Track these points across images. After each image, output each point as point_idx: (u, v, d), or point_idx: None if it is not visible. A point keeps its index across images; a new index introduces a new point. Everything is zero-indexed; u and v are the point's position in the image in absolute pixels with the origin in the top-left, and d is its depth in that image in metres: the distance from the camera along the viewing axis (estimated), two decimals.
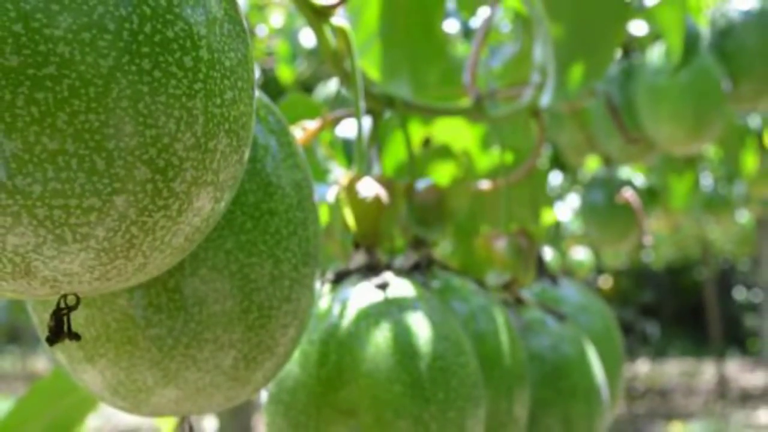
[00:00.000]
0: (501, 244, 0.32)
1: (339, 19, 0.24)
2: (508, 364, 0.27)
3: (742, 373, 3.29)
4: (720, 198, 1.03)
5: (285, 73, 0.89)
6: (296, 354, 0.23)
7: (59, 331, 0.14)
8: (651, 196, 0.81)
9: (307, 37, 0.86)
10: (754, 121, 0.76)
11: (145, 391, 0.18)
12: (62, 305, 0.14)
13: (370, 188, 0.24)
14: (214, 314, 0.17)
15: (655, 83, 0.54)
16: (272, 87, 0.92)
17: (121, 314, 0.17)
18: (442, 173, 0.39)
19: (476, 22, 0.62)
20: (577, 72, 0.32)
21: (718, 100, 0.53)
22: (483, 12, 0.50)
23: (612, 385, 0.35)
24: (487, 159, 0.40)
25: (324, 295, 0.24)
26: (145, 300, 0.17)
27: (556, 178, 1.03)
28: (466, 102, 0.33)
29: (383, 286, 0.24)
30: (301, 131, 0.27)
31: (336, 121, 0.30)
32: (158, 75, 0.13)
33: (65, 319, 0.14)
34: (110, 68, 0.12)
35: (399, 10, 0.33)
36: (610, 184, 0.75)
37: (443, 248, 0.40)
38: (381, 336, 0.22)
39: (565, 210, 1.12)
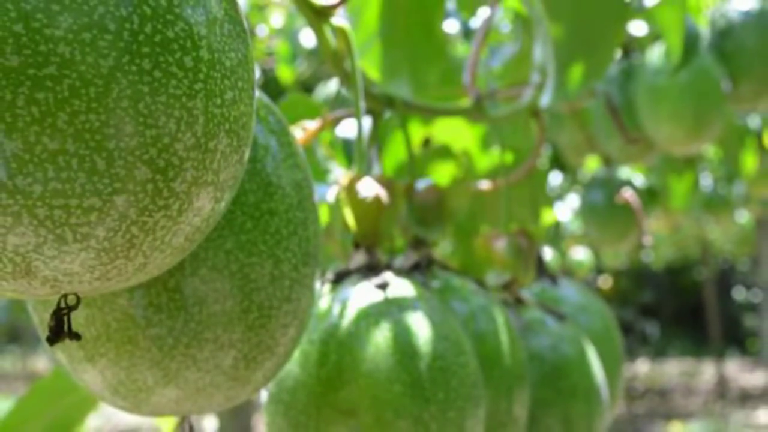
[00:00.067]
0: (501, 244, 0.32)
1: (339, 19, 0.24)
2: (508, 364, 0.27)
3: (741, 373, 3.30)
4: (719, 198, 1.03)
5: (285, 73, 0.89)
6: (296, 354, 0.23)
7: (59, 330, 0.14)
8: (651, 196, 0.82)
9: (308, 38, 0.86)
10: (753, 121, 0.76)
11: (146, 391, 0.18)
12: (63, 305, 0.14)
13: (370, 188, 0.24)
14: (214, 314, 0.17)
15: (654, 83, 0.54)
16: (272, 87, 0.92)
17: (122, 314, 0.17)
18: (442, 173, 0.39)
19: (476, 22, 0.62)
20: (576, 72, 0.32)
21: (717, 101, 0.53)
22: (483, 12, 0.50)
23: (612, 385, 0.35)
24: (487, 159, 0.40)
25: (324, 295, 0.24)
26: (146, 300, 0.17)
27: (556, 178, 1.03)
28: (466, 102, 0.33)
29: (383, 286, 0.24)
30: (301, 131, 0.27)
31: (336, 121, 0.30)
32: (158, 75, 0.13)
33: (65, 318, 0.14)
34: (110, 68, 0.12)
35: (399, 11, 0.33)
36: (609, 184, 0.75)
37: (443, 248, 0.40)
38: (381, 336, 0.22)
39: (565, 210, 1.12)
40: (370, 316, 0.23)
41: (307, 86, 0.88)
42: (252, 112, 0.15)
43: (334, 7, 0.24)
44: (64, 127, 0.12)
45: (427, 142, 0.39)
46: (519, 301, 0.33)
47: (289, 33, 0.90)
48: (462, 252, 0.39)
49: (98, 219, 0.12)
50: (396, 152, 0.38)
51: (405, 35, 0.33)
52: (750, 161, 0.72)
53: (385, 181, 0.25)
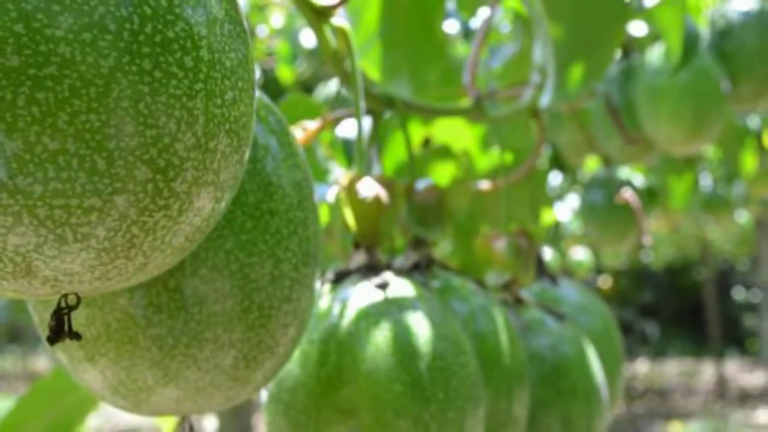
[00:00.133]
0: (501, 244, 0.32)
1: (339, 19, 0.24)
2: (508, 363, 0.27)
3: (741, 373, 3.30)
4: (719, 198, 1.03)
5: (285, 74, 0.89)
6: (296, 354, 0.23)
7: (60, 330, 0.14)
8: (650, 196, 0.82)
9: (308, 38, 0.86)
10: (753, 121, 0.76)
11: (146, 391, 0.18)
12: (63, 305, 0.14)
13: (370, 188, 0.24)
14: (214, 314, 0.17)
15: (654, 84, 0.54)
16: (273, 87, 0.92)
17: (122, 314, 0.17)
18: (442, 173, 0.39)
19: (476, 22, 0.62)
20: (576, 72, 0.33)
21: (717, 101, 0.53)
22: (483, 12, 0.50)
23: (611, 385, 0.35)
24: (487, 159, 0.40)
25: (324, 295, 0.24)
26: (146, 300, 0.17)
27: (555, 178, 1.03)
28: (466, 102, 0.33)
29: (383, 286, 0.24)
30: (301, 131, 0.27)
31: (336, 122, 0.30)
32: (159, 75, 0.13)
33: (66, 318, 0.14)
34: (111, 68, 0.12)
35: (399, 11, 0.33)
36: (609, 185, 0.75)
37: (443, 248, 0.40)
38: (381, 336, 0.22)
39: (565, 210, 1.12)
40: (370, 316, 0.23)
41: (307, 86, 0.88)
42: (252, 112, 0.15)
43: (334, 7, 0.24)
44: (64, 127, 0.12)
45: (427, 142, 0.39)
46: (519, 301, 0.33)
47: (289, 33, 0.90)
48: (462, 252, 0.39)
49: (99, 219, 0.12)
50: (396, 152, 0.38)
51: (405, 35, 0.33)
52: (749, 161, 0.72)
53: (385, 181, 0.25)
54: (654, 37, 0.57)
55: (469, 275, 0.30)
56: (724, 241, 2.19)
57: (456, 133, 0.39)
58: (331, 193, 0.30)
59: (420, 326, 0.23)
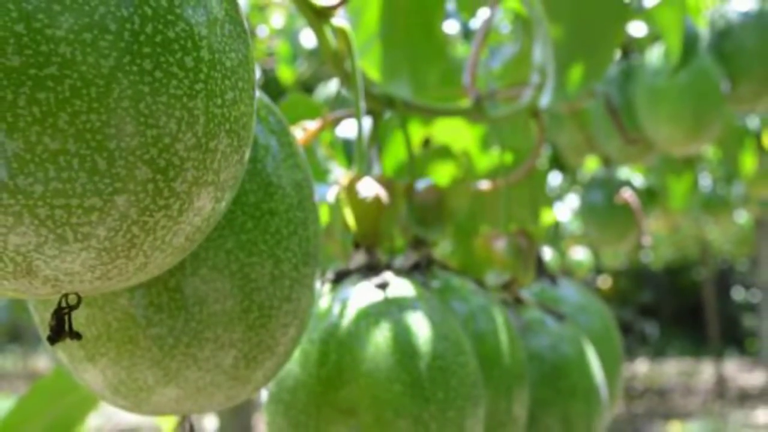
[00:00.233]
0: (500, 244, 0.32)
1: (339, 19, 0.24)
2: (508, 363, 0.27)
3: (740, 372, 3.30)
4: (719, 198, 1.04)
5: (285, 74, 0.89)
6: (296, 353, 0.23)
7: (60, 330, 0.14)
8: (650, 196, 0.82)
9: (308, 38, 0.86)
10: (752, 122, 0.76)
11: (146, 390, 0.18)
12: (63, 304, 0.14)
13: (370, 188, 0.24)
14: (214, 313, 0.17)
15: (654, 84, 0.54)
16: (273, 87, 0.92)
17: (122, 313, 0.17)
18: (442, 173, 0.39)
19: (476, 23, 0.62)
20: (576, 73, 0.33)
21: (717, 101, 0.53)
22: (483, 13, 0.50)
23: (611, 385, 0.35)
24: (487, 159, 0.40)
25: (324, 295, 0.24)
26: (146, 299, 0.17)
27: (555, 178, 1.03)
28: (465, 102, 0.33)
29: (383, 286, 0.24)
30: (301, 131, 0.27)
31: (336, 122, 0.30)
32: (159, 75, 0.13)
33: (66, 318, 0.14)
34: (111, 68, 0.12)
35: (399, 11, 0.33)
36: (609, 185, 0.76)
37: (443, 248, 0.40)
38: (381, 335, 0.22)
39: (565, 210, 1.12)
40: (370, 315, 0.23)
41: (307, 86, 0.88)
42: (252, 112, 0.15)
43: (334, 7, 0.24)
44: (65, 127, 0.12)
45: (427, 143, 0.39)
46: (518, 301, 0.33)
47: (289, 33, 0.90)
48: (462, 252, 0.39)
49: (99, 219, 0.12)
50: (396, 152, 0.38)
51: (405, 36, 0.33)
52: (749, 162, 0.72)
53: (385, 181, 0.25)
54: (654, 37, 0.57)
55: (469, 275, 0.30)
56: (723, 241, 2.19)
57: (456, 133, 0.39)
58: (331, 193, 0.30)
59: (420, 326, 0.23)
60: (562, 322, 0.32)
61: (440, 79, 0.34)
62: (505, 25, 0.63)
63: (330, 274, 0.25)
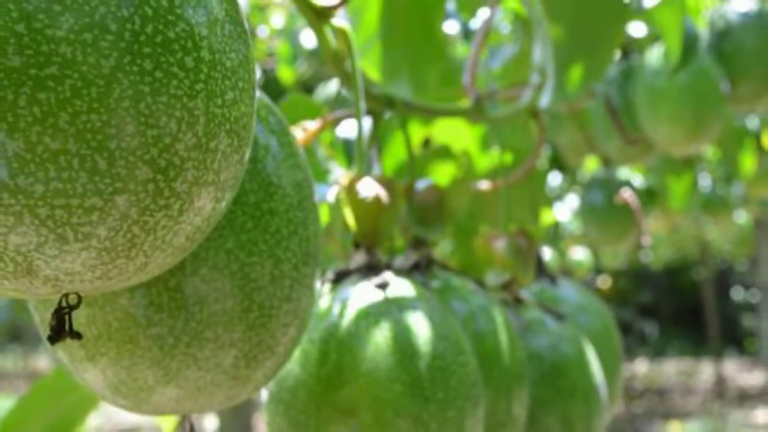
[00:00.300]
0: (500, 244, 0.32)
1: (339, 20, 0.24)
2: (508, 363, 0.27)
3: (739, 372, 3.30)
4: (718, 199, 1.04)
5: (286, 74, 0.89)
6: (296, 353, 0.23)
7: (61, 330, 0.14)
8: (650, 196, 0.82)
9: (308, 38, 0.87)
10: (752, 122, 0.77)
11: (146, 390, 0.18)
12: (64, 304, 0.14)
13: (370, 188, 0.24)
14: (214, 313, 0.17)
15: (653, 84, 0.54)
16: (273, 87, 0.92)
17: (123, 313, 0.17)
18: (442, 173, 0.39)
19: (476, 23, 0.62)
20: (576, 73, 0.33)
21: (716, 102, 0.53)
22: (483, 13, 0.50)
23: (610, 385, 0.35)
24: (487, 159, 0.40)
25: (324, 295, 0.24)
26: (147, 299, 0.17)
27: (555, 178, 1.04)
28: (465, 103, 0.33)
29: (383, 286, 0.24)
30: (301, 131, 0.27)
31: (336, 122, 0.30)
32: (160, 75, 0.13)
33: (67, 318, 0.14)
34: (112, 68, 0.12)
35: (399, 12, 0.33)
36: (609, 185, 0.76)
37: (443, 248, 0.40)
38: (381, 335, 0.22)
39: (564, 210, 1.12)
40: (370, 315, 0.23)
41: (307, 87, 0.88)
42: (253, 112, 0.15)
43: (334, 7, 0.24)
44: (65, 127, 0.12)
45: (427, 143, 0.39)
46: (518, 301, 0.33)
47: (289, 34, 0.90)
48: (462, 252, 0.39)
49: (99, 218, 0.13)
50: (396, 152, 0.38)
51: (405, 36, 0.33)
52: (748, 162, 0.73)
53: (385, 181, 0.25)
54: (653, 37, 0.57)
55: (469, 275, 0.30)
56: (723, 241, 2.20)
57: (456, 133, 0.39)
58: (331, 193, 0.30)
59: (420, 326, 0.23)
60: (561, 322, 0.32)
61: (440, 79, 0.34)
62: (505, 26, 0.64)
63: (330, 274, 0.25)
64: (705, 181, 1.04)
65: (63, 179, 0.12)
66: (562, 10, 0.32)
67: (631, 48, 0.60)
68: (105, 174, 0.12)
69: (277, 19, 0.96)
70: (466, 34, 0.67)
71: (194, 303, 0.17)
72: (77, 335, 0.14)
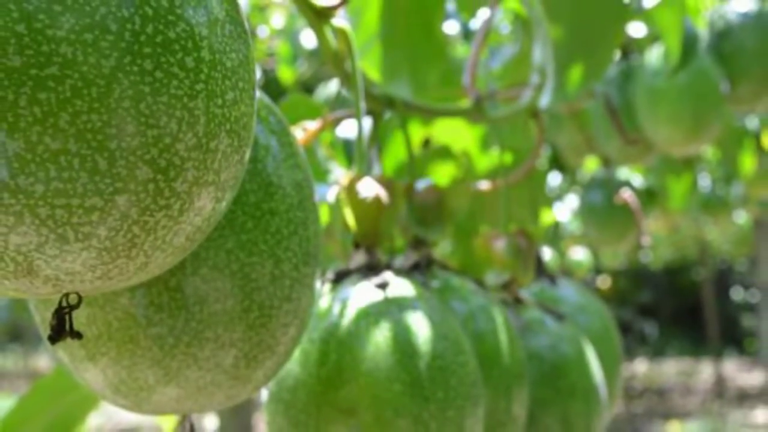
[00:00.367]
0: (500, 244, 0.32)
1: (340, 20, 0.24)
2: (507, 363, 0.27)
3: (739, 372, 3.31)
4: (718, 199, 1.04)
5: (286, 74, 0.89)
6: (296, 353, 0.23)
7: (61, 329, 0.14)
8: (649, 196, 0.82)
9: (308, 38, 0.87)
10: (752, 122, 0.77)
11: (147, 390, 0.18)
12: (64, 304, 0.14)
13: (370, 188, 0.24)
14: (215, 313, 0.17)
15: (653, 85, 0.54)
16: (273, 87, 0.92)
17: (123, 313, 0.17)
18: (442, 173, 0.39)
19: (476, 23, 0.62)
20: (576, 73, 0.33)
21: (716, 102, 0.53)
22: (483, 13, 0.50)
23: (610, 385, 0.35)
24: (487, 159, 0.40)
25: (324, 295, 0.24)
26: (147, 299, 0.17)
27: (555, 178, 1.04)
28: (465, 103, 0.34)
29: (383, 286, 0.24)
30: (301, 132, 0.27)
31: (336, 122, 0.30)
32: (160, 75, 0.13)
33: (67, 317, 0.14)
34: (112, 69, 0.12)
35: (399, 12, 0.33)
36: (608, 185, 0.76)
37: (443, 248, 0.40)
38: (381, 335, 0.22)
39: (564, 210, 1.12)
40: (370, 315, 0.23)
41: (307, 87, 0.88)
42: (253, 112, 0.15)
43: (334, 8, 0.24)
44: (66, 127, 0.12)
45: (427, 143, 0.39)
46: (518, 301, 0.33)
47: (289, 34, 0.90)
48: (461, 252, 0.39)
49: (100, 218, 0.13)
50: (396, 152, 0.38)
51: (405, 36, 0.33)
52: (748, 162, 0.73)
53: (385, 181, 0.25)
54: (653, 38, 0.57)
55: (469, 275, 0.30)
56: (722, 241, 2.20)
57: (456, 133, 0.39)
58: (331, 193, 0.30)
59: (420, 326, 0.23)
60: (561, 322, 0.32)
61: (440, 79, 0.34)
62: (505, 26, 0.64)
63: (330, 274, 0.25)
64: (705, 182, 1.04)
65: (63, 179, 0.12)
66: (562, 10, 0.32)
67: (631, 48, 0.60)
68: (105, 174, 0.12)
69: (278, 19, 0.96)
70: (466, 34, 0.67)
71: (194, 303, 0.17)
72: (78, 335, 0.14)
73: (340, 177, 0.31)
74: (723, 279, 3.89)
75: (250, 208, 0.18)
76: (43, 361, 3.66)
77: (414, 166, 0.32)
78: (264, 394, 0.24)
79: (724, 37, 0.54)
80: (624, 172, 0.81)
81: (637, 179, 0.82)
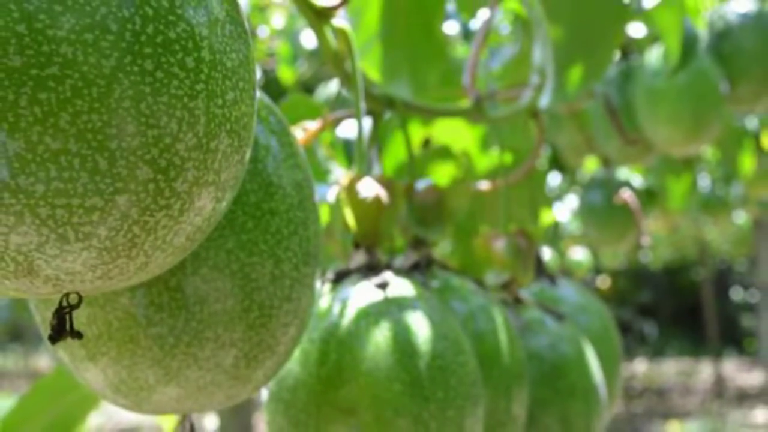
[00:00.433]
0: (500, 244, 0.32)
1: (340, 20, 0.25)
2: (507, 363, 0.27)
3: (738, 372, 3.31)
4: (717, 199, 1.04)
5: (286, 74, 0.90)
6: (297, 353, 0.23)
7: (61, 329, 0.14)
8: (649, 196, 0.82)
9: (308, 39, 0.87)
10: (751, 122, 0.77)
11: (147, 390, 0.18)
12: (64, 304, 0.14)
13: (370, 188, 0.24)
14: (215, 313, 0.17)
15: (653, 85, 0.54)
16: (273, 88, 0.92)
17: (123, 313, 0.17)
18: (442, 173, 0.39)
19: (476, 23, 0.62)
20: (576, 73, 0.33)
21: (715, 102, 0.53)
22: (483, 14, 0.50)
23: (610, 385, 0.35)
24: (487, 159, 0.41)
25: (324, 295, 0.24)
26: (147, 299, 0.17)
27: (554, 178, 1.04)
28: (465, 103, 0.34)
29: (383, 286, 0.24)
30: (302, 132, 0.27)
31: (336, 122, 0.30)
32: (160, 75, 0.13)
33: (67, 317, 0.14)
34: (113, 69, 0.12)
35: (399, 12, 0.33)
36: (608, 185, 0.76)
37: (443, 248, 0.40)
38: (381, 335, 0.22)
39: (564, 210, 1.12)
40: (370, 315, 0.23)
41: (307, 87, 0.88)
42: (253, 112, 0.15)
43: (334, 8, 0.24)
44: (66, 127, 0.12)
45: (427, 143, 0.39)
46: (518, 301, 0.33)
47: (290, 34, 0.90)
48: (461, 252, 0.39)
49: (100, 218, 0.13)
50: (396, 152, 0.38)
51: (405, 36, 0.33)
52: (748, 162, 0.73)
53: (385, 181, 0.25)
54: (653, 38, 0.57)
55: (469, 275, 0.30)
56: (722, 241, 2.20)
57: (456, 133, 0.39)
58: (331, 193, 0.30)
59: (419, 325, 0.23)
60: (561, 322, 0.32)
61: (440, 79, 0.34)
62: (504, 26, 0.64)
63: (330, 274, 0.25)
64: (704, 182, 1.04)
65: (64, 179, 0.12)
66: (562, 10, 0.32)
67: (631, 48, 0.60)
68: (106, 174, 0.12)
69: (278, 19, 0.96)
70: (466, 34, 0.67)
71: (195, 303, 0.17)
72: (78, 335, 0.14)
73: (340, 177, 0.31)
74: (722, 279, 3.89)
75: (250, 208, 0.18)
76: (43, 360, 3.66)
77: (414, 166, 0.32)
78: (264, 393, 0.24)
79: (723, 37, 0.54)
80: (624, 172, 0.81)
81: (637, 179, 0.82)
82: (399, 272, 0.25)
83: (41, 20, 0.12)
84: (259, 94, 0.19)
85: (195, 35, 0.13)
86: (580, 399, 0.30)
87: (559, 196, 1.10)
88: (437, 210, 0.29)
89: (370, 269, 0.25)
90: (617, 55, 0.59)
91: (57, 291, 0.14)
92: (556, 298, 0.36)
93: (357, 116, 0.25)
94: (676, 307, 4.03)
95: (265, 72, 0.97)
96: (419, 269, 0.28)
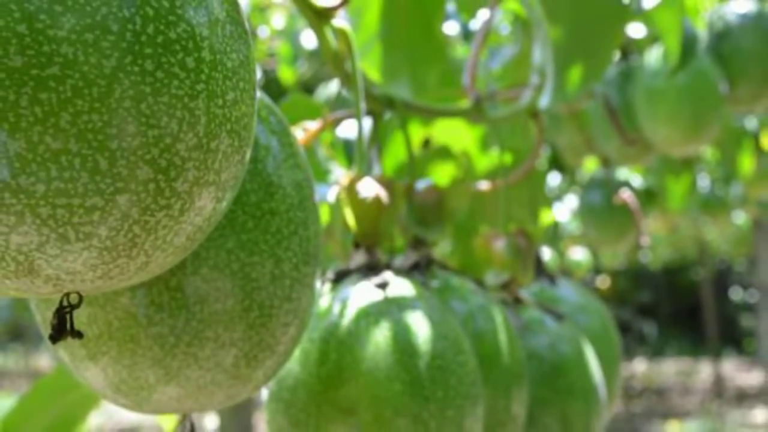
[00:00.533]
0: (500, 244, 0.32)
1: (340, 20, 0.25)
2: (507, 363, 0.27)
3: (738, 372, 3.32)
4: (717, 199, 1.04)
5: (286, 74, 0.90)
6: (297, 352, 0.23)
7: (62, 329, 0.14)
8: (648, 197, 0.82)
9: (309, 39, 0.87)
10: (750, 122, 0.77)
11: (147, 389, 0.18)
12: (65, 303, 0.14)
13: (370, 188, 0.24)
14: (215, 313, 0.17)
15: (652, 85, 0.54)
16: (274, 88, 0.92)
17: (124, 312, 0.17)
18: (442, 174, 0.39)
19: (476, 24, 0.62)
20: (575, 74, 0.33)
21: (715, 102, 0.53)
22: (482, 14, 0.50)
23: (609, 384, 0.35)
24: (487, 160, 0.41)
25: (324, 294, 0.25)
26: (148, 298, 0.17)
27: (554, 178, 1.04)
28: (465, 103, 0.34)
29: (383, 286, 0.24)
30: (302, 132, 0.27)
31: (337, 122, 0.30)
32: (161, 76, 0.13)
33: (68, 317, 0.14)
34: (113, 69, 0.12)
35: (399, 12, 0.33)
36: (608, 185, 0.76)
37: (443, 248, 0.40)
38: (381, 335, 0.22)
39: (564, 210, 1.12)
40: (370, 315, 0.23)
41: (308, 87, 0.88)
42: (253, 112, 0.15)
43: (335, 8, 0.24)
44: (66, 127, 0.12)
45: (427, 143, 0.39)
46: (518, 301, 0.33)
47: (290, 34, 0.90)
48: (461, 252, 0.39)
49: (101, 218, 0.13)
50: (396, 153, 0.38)
51: (405, 37, 0.33)
52: (747, 162, 0.73)
53: (385, 181, 0.25)
54: (652, 39, 0.57)
55: (469, 275, 0.30)
56: (721, 241, 2.20)
57: (456, 133, 0.39)
58: (331, 193, 0.30)
59: (419, 325, 0.23)
60: (560, 322, 0.32)
61: (440, 79, 0.34)
62: (504, 27, 0.64)
63: (330, 274, 0.25)
64: (704, 182, 1.04)
65: (64, 179, 0.12)
66: (562, 11, 0.32)
67: (631, 49, 0.60)
68: (106, 174, 0.12)
69: (278, 19, 0.96)
70: (466, 34, 0.67)
71: (195, 302, 0.17)
72: (78, 334, 0.14)
73: (340, 177, 0.31)
74: (722, 279, 3.89)
75: (250, 208, 0.18)
76: (44, 360, 3.66)
77: (414, 166, 0.32)
78: (264, 393, 0.24)
79: (723, 37, 0.54)
80: (623, 173, 0.81)
81: (637, 179, 0.82)
82: (399, 272, 0.25)
83: (42, 20, 0.12)
84: (259, 94, 0.19)
85: (195, 35, 0.13)
86: (580, 399, 0.30)
87: (558, 196, 1.10)
88: (437, 210, 0.29)
89: (370, 269, 0.25)
90: (617, 55, 0.59)
91: (57, 291, 0.14)
92: (555, 298, 0.36)
93: (357, 116, 0.25)
94: (676, 307, 4.03)
95: (265, 72, 0.98)
96: (419, 269, 0.28)
